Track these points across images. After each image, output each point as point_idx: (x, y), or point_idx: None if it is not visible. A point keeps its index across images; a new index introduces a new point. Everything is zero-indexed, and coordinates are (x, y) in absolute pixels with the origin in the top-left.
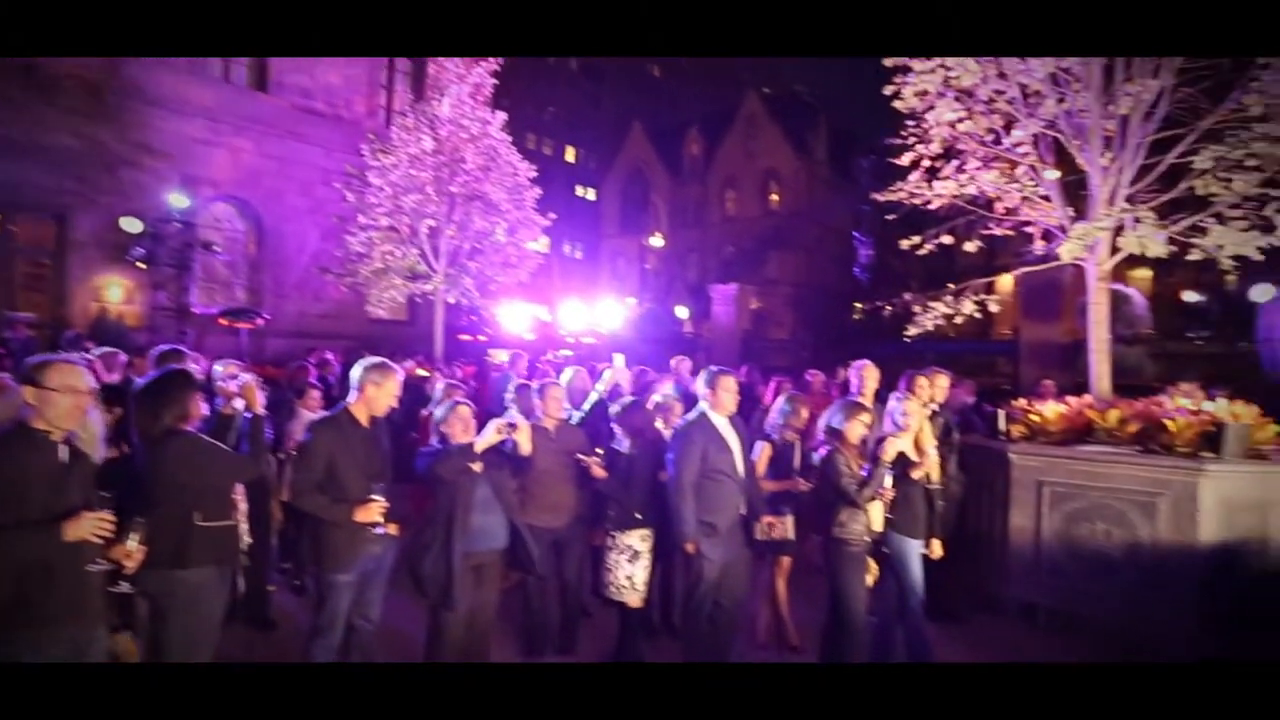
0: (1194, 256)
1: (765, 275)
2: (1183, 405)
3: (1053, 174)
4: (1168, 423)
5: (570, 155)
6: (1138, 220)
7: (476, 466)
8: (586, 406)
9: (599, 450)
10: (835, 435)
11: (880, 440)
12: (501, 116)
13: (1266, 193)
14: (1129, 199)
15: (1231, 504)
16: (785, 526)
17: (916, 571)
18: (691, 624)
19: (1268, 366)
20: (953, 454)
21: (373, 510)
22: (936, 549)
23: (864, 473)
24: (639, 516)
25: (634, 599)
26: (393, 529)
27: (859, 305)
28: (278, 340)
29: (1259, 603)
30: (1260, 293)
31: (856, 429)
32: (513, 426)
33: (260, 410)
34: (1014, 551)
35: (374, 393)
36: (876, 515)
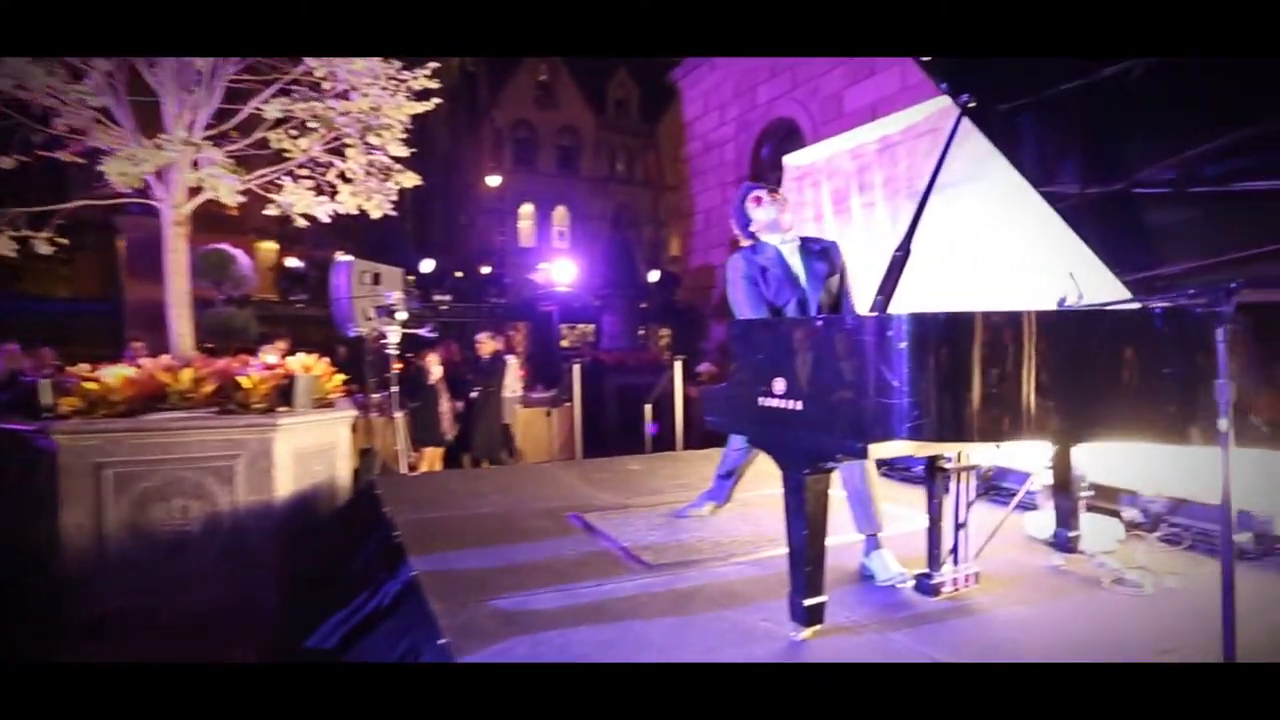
0: (271, 211)
1: None
2: (265, 361)
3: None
4: (242, 380)
5: None
6: (213, 162)
7: None
8: None
9: None
10: None
11: None
12: None
13: (332, 161)
14: (209, 138)
15: (303, 453)
16: None
17: None
18: None
19: (337, 323)
20: None
21: None
22: None
23: None
24: None
25: None
26: None
27: None
28: None
29: (328, 550)
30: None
31: None
32: None
33: None
34: (72, 558)
35: None
36: None
